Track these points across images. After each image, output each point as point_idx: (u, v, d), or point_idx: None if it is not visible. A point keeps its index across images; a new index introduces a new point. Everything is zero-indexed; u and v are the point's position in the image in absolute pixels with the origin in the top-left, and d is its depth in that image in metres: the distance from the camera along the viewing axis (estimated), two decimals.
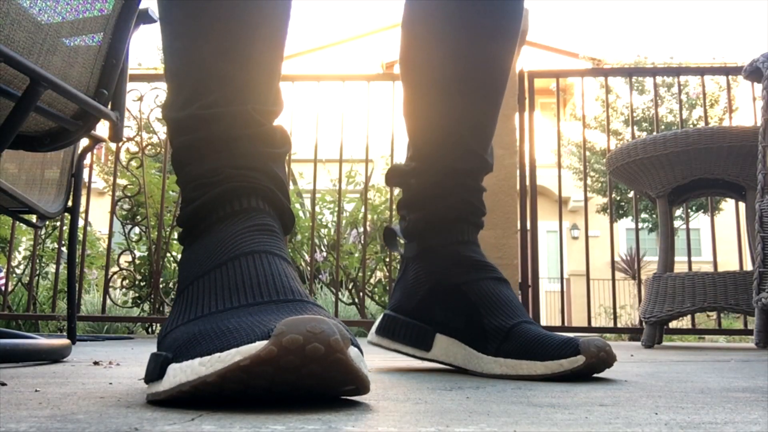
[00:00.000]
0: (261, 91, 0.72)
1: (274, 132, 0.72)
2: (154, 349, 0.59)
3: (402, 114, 1.03)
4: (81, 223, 2.56)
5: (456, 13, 0.95)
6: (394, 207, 3.48)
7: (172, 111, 0.72)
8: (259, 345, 0.44)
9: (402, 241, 1.03)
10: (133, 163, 3.08)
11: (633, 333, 3.65)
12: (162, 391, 0.48)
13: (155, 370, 0.50)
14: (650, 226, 10.87)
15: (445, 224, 0.94)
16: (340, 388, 0.48)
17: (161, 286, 3.06)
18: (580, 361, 0.75)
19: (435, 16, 0.97)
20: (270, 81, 0.73)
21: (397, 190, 4.18)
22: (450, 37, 0.96)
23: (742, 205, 2.36)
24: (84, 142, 1.85)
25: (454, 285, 0.90)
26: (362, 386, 0.48)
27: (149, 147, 3.17)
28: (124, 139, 3.02)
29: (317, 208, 3.78)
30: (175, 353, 0.50)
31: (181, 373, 0.47)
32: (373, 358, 1.23)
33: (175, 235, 3.23)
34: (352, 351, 0.46)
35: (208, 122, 0.68)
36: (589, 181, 8.63)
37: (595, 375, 0.83)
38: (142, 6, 1.02)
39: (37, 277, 3.55)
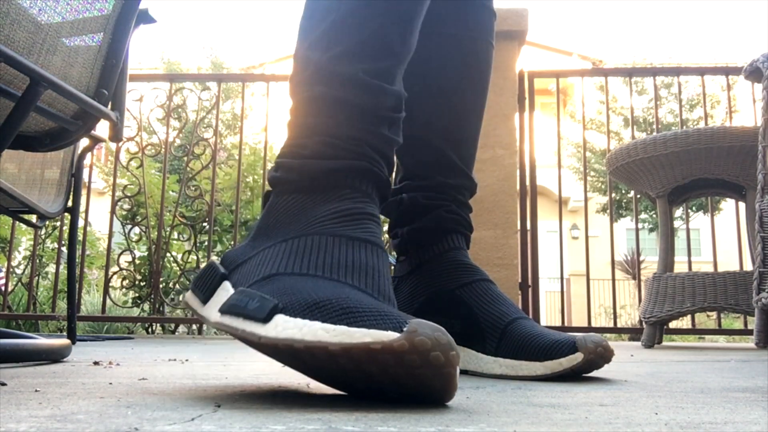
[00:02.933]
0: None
1: (401, 123, 0.74)
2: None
3: None
4: (81, 223, 2.56)
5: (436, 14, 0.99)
6: None
7: (322, 53, 0.69)
8: (392, 335, 0.45)
9: (392, 261, 1.03)
10: (133, 163, 3.08)
11: (633, 333, 3.65)
12: (266, 336, 0.48)
13: (260, 311, 0.50)
14: (650, 226, 10.89)
15: (438, 234, 0.96)
16: (433, 397, 0.49)
17: (161, 286, 3.06)
18: (579, 358, 0.75)
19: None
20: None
21: None
22: (436, 53, 0.99)
23: (742, 205, 2.36)
24: (84, 142, 1.85)
25: (450, 290, 0.90)
26: (450, 398, 0.50)
27: (149, 147, 3.17)
28: (124, 139, 3.02)
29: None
30: (285, 305, 0.50)
31: (295, 328, 0.47)
32: None
33: (176, 234, 3.23)
34: (458, 369, 0.48)
35: (368, 91, 0.68)
36: (588, 181, 8.64)
37: (595, 375, 0.83)
38: (142, 6, 1.02)
39: (37, 277, 3.55)
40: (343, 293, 0.52)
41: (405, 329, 0.45)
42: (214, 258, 0.69)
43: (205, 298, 0.61)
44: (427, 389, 0.48)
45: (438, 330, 0.46)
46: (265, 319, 0.50)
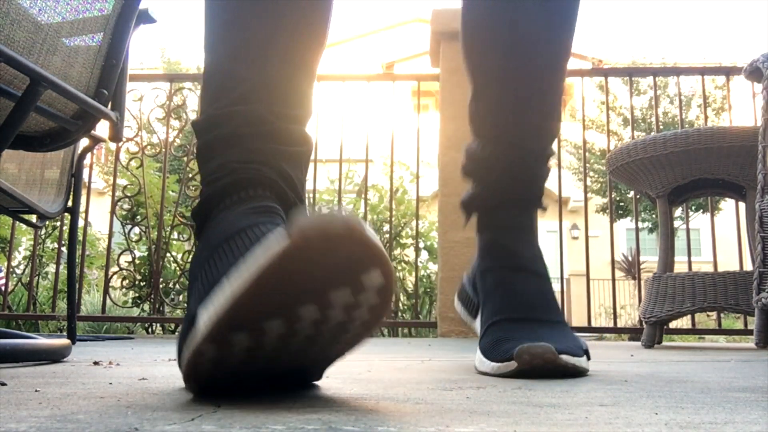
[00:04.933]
0: (279, 93, 0.73)
1: (287, 131, 0.72)
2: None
3: (470, 109, 1.02)
4: (81, 223, 2.56)
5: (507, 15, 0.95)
6: (393, 208, 3.48)
7: (196, 118, 0.76)
8: (283, 237, 0.43)
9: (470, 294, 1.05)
10: (133, 163, 3.08)
11: (633, 333, 3.65)
12: (201, 336, 0.46)
13: (185, 327, 0.50)
14: (650, 226, 10.88)
15: (495, 207, 0.97)
16: (370, 269, 0.46)
17: (161, 286, 3.06)
18: (512, 366, 0.76)
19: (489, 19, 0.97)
20: (290, 83, 0.75)
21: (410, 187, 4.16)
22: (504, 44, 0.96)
23: (742, 205, 2.36)
24: (84, 142, 1.85)
25: (480, 271, 0.96)
26: (387, 266, 0.47)
27: (149, 147, 3.17)
28: (124, 139, 3.02)
29: (316, 208, 3.79)
30: (200, 303, 0.50)
31: (213, 305, 0.46)
32: (373, 358, 1.23)
33: (176, 234, 3.23)
34: (369, 230, 0.46)
35: (221, 121, 0.71)
36: (588, 182, 8.64)
37: (595, 375, 0.83)
38: (142, 6, 1.02)
39: (37, 277, 3.55)
40: (229, 244, 0.57)
41: (291, 231, 0.43)
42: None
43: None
44: (359, 262, 0.45)
45: (318, 214, 0.44)
46: (192, 324, 0.49)
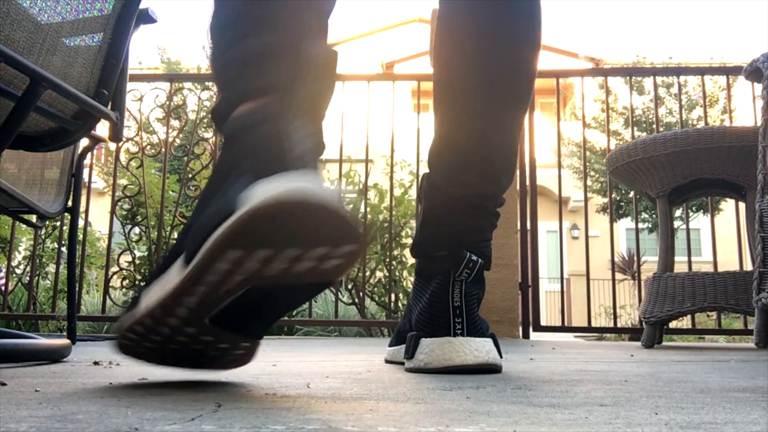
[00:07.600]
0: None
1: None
2: None
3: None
4: (81, 223, 2.56)
5: (482, 16, 0.95)
6: (394, 206, 3.49)
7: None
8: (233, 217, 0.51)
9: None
10: (133, 163, 3.08)
11: (633, 333, 3.65)
12: (213, 241, 0.52)
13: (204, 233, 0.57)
14: (650, 226, 10.88)
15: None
16: (347, 243, 0.54)
17: None
18: None
19: (464, 17, 0.97)
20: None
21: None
22: (477, 39, 0.96)
23: (742, 205, 2.36)
24: (84, 142, 1.85)
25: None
26: (363, 244, 0.55)
27: (149, 147, 3.17)
28: (124, 139, 3.02)
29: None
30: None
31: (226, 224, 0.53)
32: (373, 359, 1.23)
33: (176, 234, 3.23)
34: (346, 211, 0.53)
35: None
36: (589, 181, 8.64)
37: (596, 375, 0.83)
38: (142, 6, 1.02)
39: (37, 277, 3.55)
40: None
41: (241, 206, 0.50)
42: None
43: None
44: (339, 237, 0.53)
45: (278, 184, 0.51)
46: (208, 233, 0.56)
